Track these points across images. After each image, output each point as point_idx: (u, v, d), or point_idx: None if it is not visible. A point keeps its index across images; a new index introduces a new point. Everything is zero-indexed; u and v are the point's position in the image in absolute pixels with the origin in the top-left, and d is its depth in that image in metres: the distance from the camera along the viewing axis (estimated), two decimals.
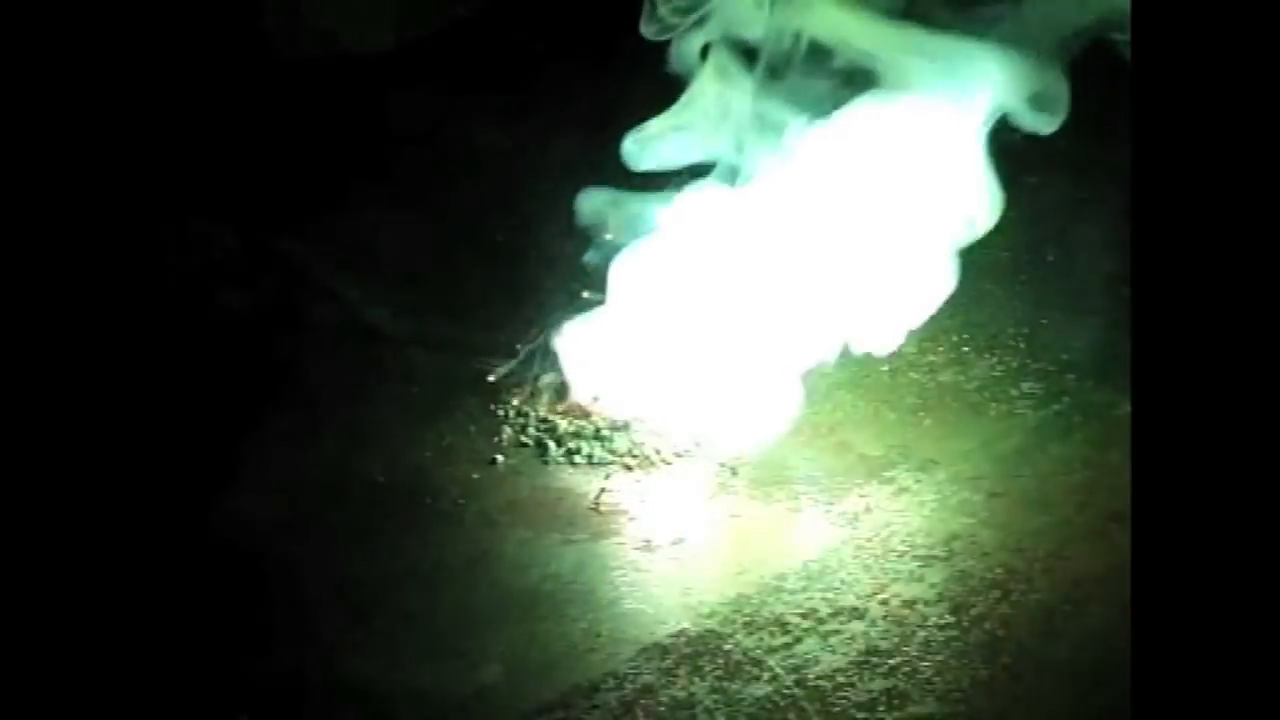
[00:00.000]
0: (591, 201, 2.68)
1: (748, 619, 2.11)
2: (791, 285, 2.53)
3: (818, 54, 2.52)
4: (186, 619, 2.12)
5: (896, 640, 2.06)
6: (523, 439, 2.54)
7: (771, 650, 2.05)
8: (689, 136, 2.61)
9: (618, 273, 2.61)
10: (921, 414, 2.58)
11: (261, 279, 2.85)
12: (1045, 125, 2.50)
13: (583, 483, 2.44)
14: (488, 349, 2.74)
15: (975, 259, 2.55)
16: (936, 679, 1.99)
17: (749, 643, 2.06)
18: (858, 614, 2.11)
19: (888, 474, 2.42)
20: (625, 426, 2.54)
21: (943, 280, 2.52)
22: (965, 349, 2.71)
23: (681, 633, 2.09)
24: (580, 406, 2.57)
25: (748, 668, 2.02)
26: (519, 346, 2.69)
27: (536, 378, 2.64)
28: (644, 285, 2.60)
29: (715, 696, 1.97)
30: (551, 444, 2.52)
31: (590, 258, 2.67)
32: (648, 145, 2.62)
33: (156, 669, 2.04)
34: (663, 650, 2.06)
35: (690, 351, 2.55)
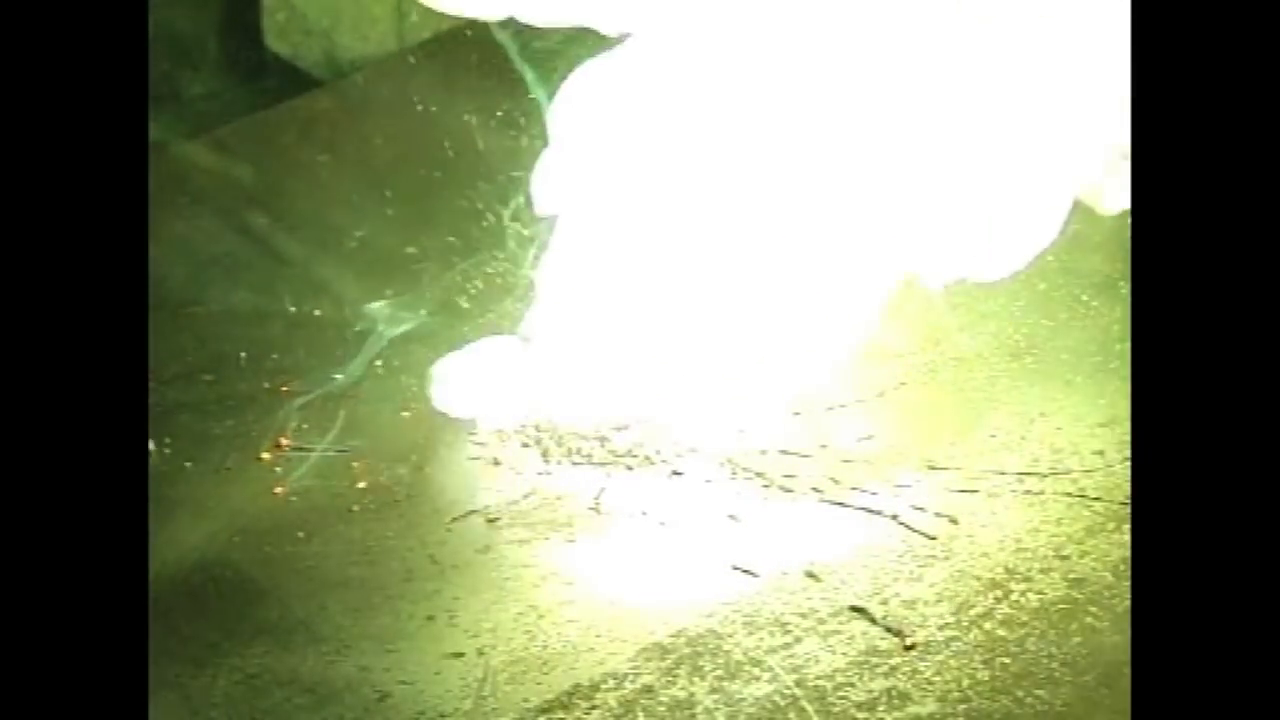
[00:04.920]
0: None
1: (748, 619, 2.11)
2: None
3: None
4: (185, 619, 2.12)
5: (897, 640, 2.06)
6: (523, 439, 2.54)
7: (771, 650, 2.04)
8: None
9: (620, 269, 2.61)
10: (922, 414, 2.58)
11: (260, 278, 2.85)
12: None
13: (583, 483, 2.44)
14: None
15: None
16: (936, 679, 1.98)
17: (749, 643, 2.06)
18: (858, 614, 2.11)
19: (889, 474, 2.42)
20: (625, 426, 2.54)
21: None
22: (966, 349, 2.71)
23: (681, 633, 2.08)
24: (574, 406, 2.57)
25: (748, 668, 2.01)
26: (521, 346, 2.69)
27: (536, 377, 2.64)
28: (644, 284, 2.60)
29: (715, 696, 1.97)
30: (551, 444, 2.52)
31: None
32: None
33: (156, 668, 2.03)
34: (663, 650, 2.05)
35: (690, 349, 2.55)
